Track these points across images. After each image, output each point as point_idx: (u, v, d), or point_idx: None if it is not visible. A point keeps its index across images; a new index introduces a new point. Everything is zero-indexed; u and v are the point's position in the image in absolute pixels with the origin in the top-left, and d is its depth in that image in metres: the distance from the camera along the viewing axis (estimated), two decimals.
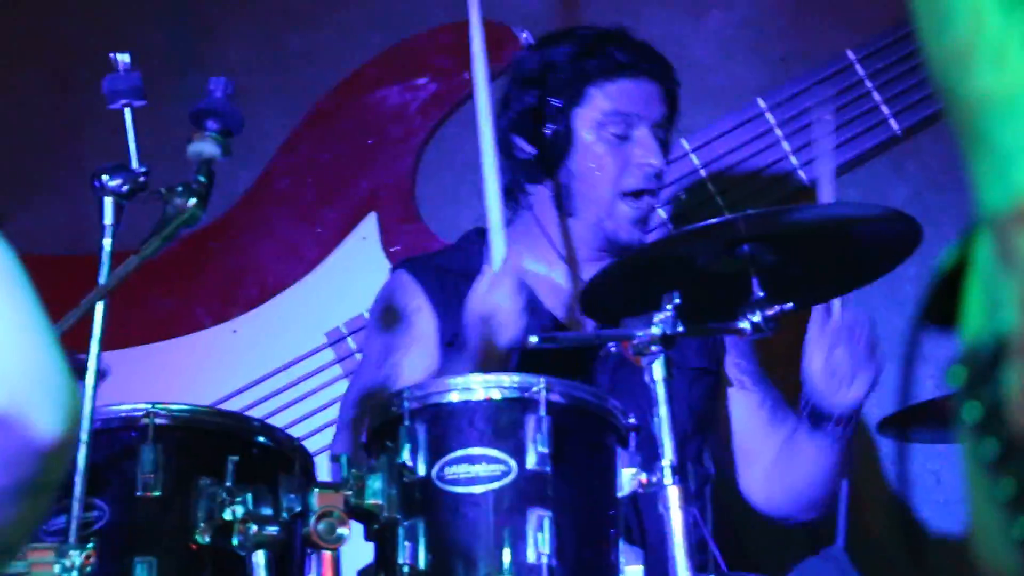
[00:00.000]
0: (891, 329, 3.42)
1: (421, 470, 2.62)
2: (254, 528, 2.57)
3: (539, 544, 2.56)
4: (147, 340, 3.98)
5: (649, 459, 2.66)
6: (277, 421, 3.75)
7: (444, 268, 3.41)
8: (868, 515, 3.25)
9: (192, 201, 2.48)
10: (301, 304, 4.02)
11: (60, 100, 4.09)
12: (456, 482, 2.61)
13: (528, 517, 2.57)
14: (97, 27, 4.11)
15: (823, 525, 3.19)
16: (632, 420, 2.74)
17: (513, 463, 2.60)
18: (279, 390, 3.97)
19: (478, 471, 2.61)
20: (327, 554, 2.61)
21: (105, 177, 2.52)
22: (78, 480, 2.43)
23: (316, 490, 2.62)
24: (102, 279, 2.49)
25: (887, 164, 3.90)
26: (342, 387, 3.92)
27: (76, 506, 2.44)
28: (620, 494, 2.66)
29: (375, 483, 2.63)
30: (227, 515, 2.59)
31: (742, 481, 3.41)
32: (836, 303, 3.15)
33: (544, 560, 2.54)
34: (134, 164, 2.53)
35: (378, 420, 2.73)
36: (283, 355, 3.99)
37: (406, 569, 2.58)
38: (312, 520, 2.59)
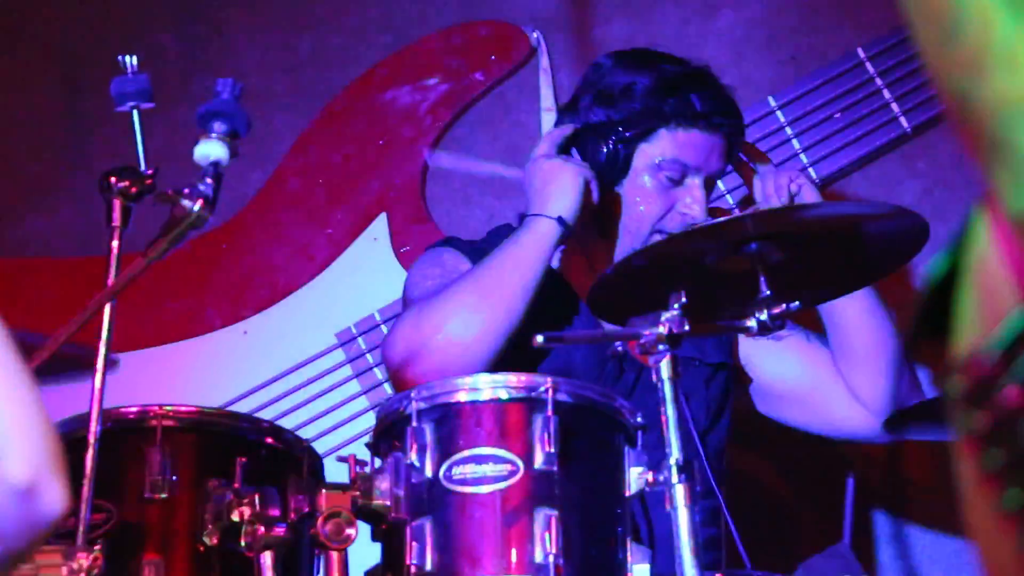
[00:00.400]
0: None
1: (428, 470, 2.62)
2: (262, 529, 2.57)
3: (546, 544, 2.55)
4: (158, 342, 3.98)
5: (659, 457, 2.64)
6: (287, 422, 3.76)
7: (482, 251, 3.37)
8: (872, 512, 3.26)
9: (199, 203, 2.47)
10: (312, 305, 4.02)
11: (70, 103, 4.10)
12: (464, 482, 2.60)
13: (536, 517, 2.57)
14: (107, 29, 4.13)
15: (829, 524, 3.21)
16: (640, 419, 2.74)
17: (520, 463, 2.60)
18: (289, 391, 3.97)
19: (485, 471, 2.60)
20: (334, 555, 2.61)
21: (113, 179, 2.52)
22: (86, 482, 2.44)
23: (324, 491, 2.62)
24: (110, 281, 2.48)
25: (897, 161, 3.90)
26: (352, 388, 3.97)
27: (84, 508, 2.43)
28: (628, 493, 2.66)
29: (382, 484, 2.63)
30: (235, 517, 2.59)
31: (836, 416, 3.44)
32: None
33: (551, 560, 2.54)
34: (142, 166, 2.53)
35: (386, 420, 2.73)
36: (293, 356, 3.99)
37: (413, 569, 2.57)
38: (320, 521, 2.59)
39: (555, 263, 3.39)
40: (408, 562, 2.58)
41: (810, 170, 3.88)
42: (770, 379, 3.51)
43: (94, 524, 2.48)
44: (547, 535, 2.56)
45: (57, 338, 2.50)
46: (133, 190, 2.53)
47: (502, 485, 2.60)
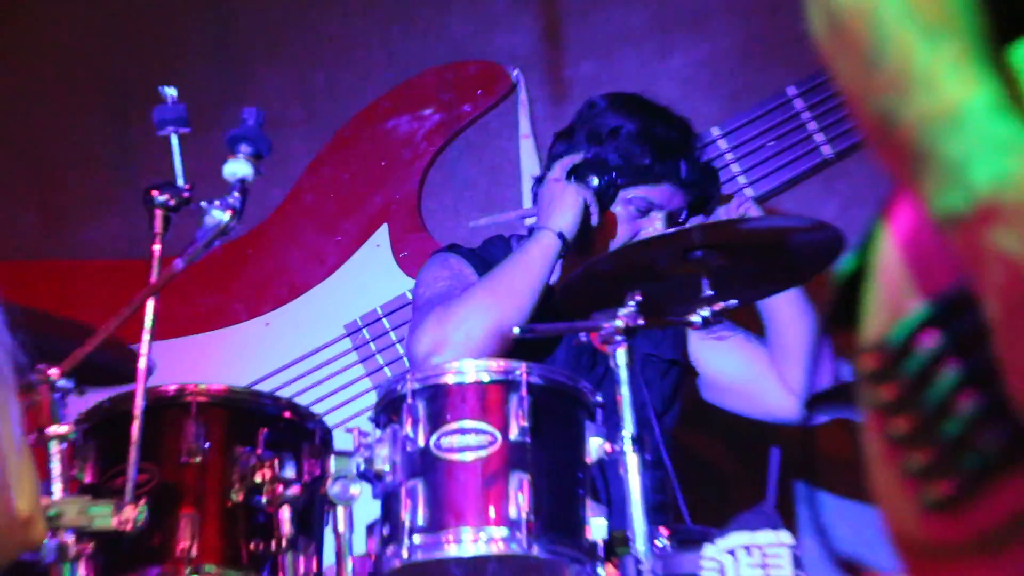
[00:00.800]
0: None
1: (421, 440, 2.62)
2: (280, 488, 2.58)
3: (520, 502, 2.56)
4: (193, 331, 3.98)
5: (617, 431, 2.66)
6: (302, 399, 3.75)
7: (481, 257, 3.41)
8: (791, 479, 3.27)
9: (228, 214, 2.48)
10: (323, 301, 4.01)
11: (118, 128, 4.06)
12: (450, 450, 2.61)
13: (511, 480, 2.58)
14: (149, 65, 4.10)
15: (756, 488, 3.22)
16: (599, 398, 2.75)
17: (498, 434, 2.61)
18: (304, 373, 3.96)
19: (469, 441, 2.61)
20: (341, 510, 2.60)
21: (155, 193, 2.52)
22: (132, 448, 2.43)
23: (332, 457, 2.63)
24: (152, 280, 2.48)
25: (820, 183, 3.88)
26: (358, 371, 3.94)
27: (131, 470, 2.43)
28: (588, 460, 2.67)
29: (382, 451, 2.63)
30: (258, 478, 2.60)
31: (768, 403, 3.46)
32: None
33: (523, 515, 2.55)
34: (179, 182, 2.52)
35: (386, 398, 2.72)
36: (308, 344, 3.98)
37: (407, 523, 2.58)
38: (329, 482, 2.60)
39: (554, 278, 3.42)
40: (403, 517, 2.59)
41: (747, 189, 3.87)
42: (715, 373, 3.52)
43: (139, 483, 2.47)
44: (520, 495, 2.57)
45: (107, 328, 2.51)
46: (172, 202, 2.53)
47: (483, 453, 2.60)
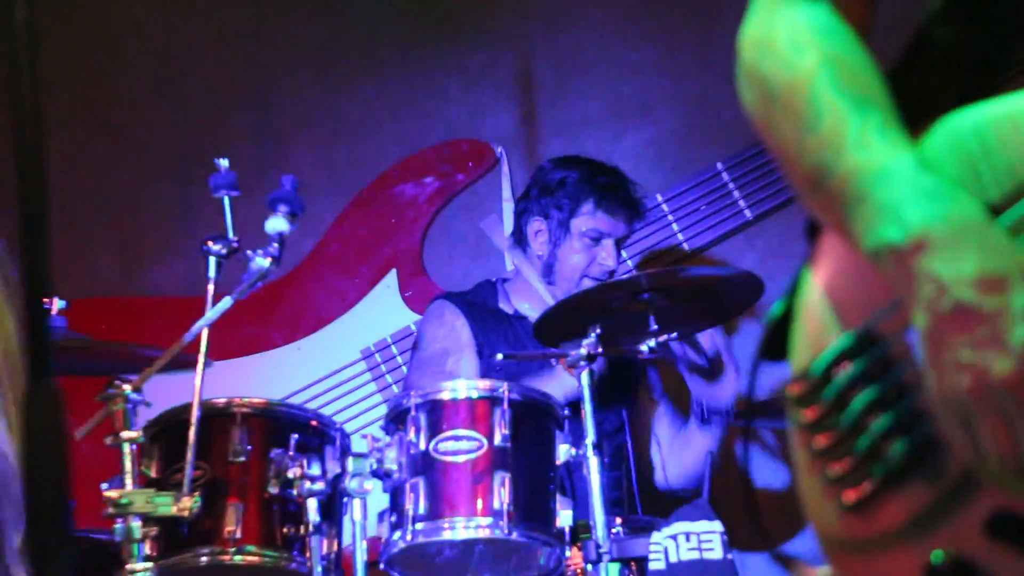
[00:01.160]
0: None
1: (422, 445, 2.62)
2: (308, 483, 2.56)
3: (502, 496, 2.56)
4: (239, 354, 3.94)
5: (579, 438, 2.66)
6: (326, 410, 3.72)
7: (471, 302, 3.39)
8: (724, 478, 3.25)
9: (268, 261, 2.46)
10: (344, 331, 3.97)
11: (182, 190, 4.04)
12: (446, 453, 2.60)
13: (495, 478, 2.57)
14: (206, 139, 4.09)
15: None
16: (567, 411, 2.73)
17: (485, 441, 2.60)
18: (327, 389, 3.91)
19: (460, 446, 2.60)
20: (357, 501, 2.59)
21: (210, 243, 2.50)
22: (189, 450, 2.43)
23: (350, 458, 2.62)
24: (207, 313, 2.47)
25: (742, 239, 3.87)
26: (371, 388, 3.90)
27: (188, 467, 2.43)
28: (558, 462, 2.66)
29: (391, 453, 2.63)
30: (290, 475, 2.58)
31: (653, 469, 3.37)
32: (705, 336, 3.16)
33: (505, 507, 2.55)
34: (230, 235, 2.50)
35: (394, 411, 2.71)
36: (331, 366, 3.94)
37: (410, 513, 2.58)
38: (347, 479, 2.59)
39: (513, 307, 3.41)
40: (407, 507, 2.58)
41: (684, 244, 3.86)
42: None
43: (194, 478, 2.46)
44: (502, 490, 2.56)
45: (171, 351, 2.49)
46: (224, 252, 2.51)
47: (472, 456, 2.59)
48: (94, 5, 4.24)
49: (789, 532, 3.11)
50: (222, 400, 2.69)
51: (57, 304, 2.76)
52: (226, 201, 2.51)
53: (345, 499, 2.64)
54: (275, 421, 2.71)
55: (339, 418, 3.72)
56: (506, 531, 2.54)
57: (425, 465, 2.61)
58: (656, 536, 2.63)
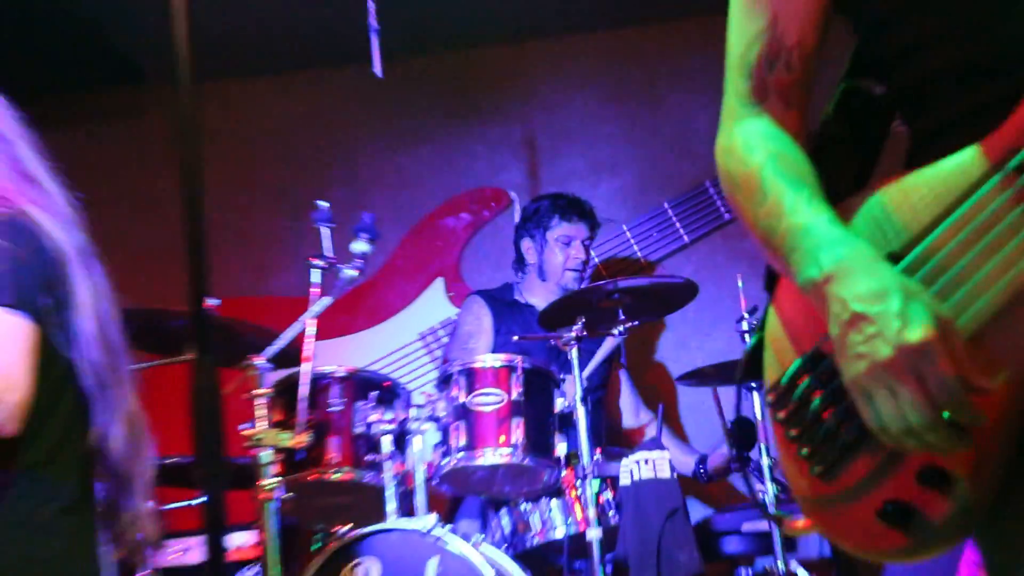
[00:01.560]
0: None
1: (462, 399, 2.60)
2: (383, 425, 2.56)
3: (518, 435, 2.55)
4: (335, 335, 3.90)
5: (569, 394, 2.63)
6: (395, 375, 3.66)
7: (494, 297, 3.37)
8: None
9: (354, 273, 2.44)
10: (406, 320, 3.94)
11: (291, 222, 4.01)
12: (478, 404, 2.59)
13: (512, 421, 2.56)
14: (309, 182, 4.08)
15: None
16: (562, 376, 2.71)
17: (505, 396, 2.59)
18: (396, 360, 3.88)
19: (488, 399, 2.59)
20: (418, 437, 2.59)
21: (313, 260, 2.47)
22: (301, 402, 2.41)
23: (412, 408, 2.61)
24: (311, 308, 2.44)
25: (682, 257, 3.85)
26: (426, 359, 3.87)
27: (301, 415, 2.41)
28: (555, 411, 2.64)
29: (440, 404, 2.62)
30: (371, 419, 2.58)
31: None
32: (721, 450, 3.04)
33: (520, 441, 2.54)
34: (327, 254, 2.45)
35: (442, 375, 2.69)
36: (398, 343, 3.91)
37: (454, 445, 2.57)
38: (410, 422, 2.59)
39: (524, 299, 3.39)
40: (451, 442, 2.58)
41: (641, 260, 3.84)
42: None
43: (306, 421, 2.44)
44: (517, 430, 2.55)
45: (286, 336, 2.48)
46: (324, 266, 2.46)
47: (496, 406, 2.58)
48: (233, 97, 4.23)
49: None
50: (326, 368, 2.67)
51: (211, 302, 2.74)
52: (324, 231, 2.49)
53: (408, 436, 2.64)
54: (360, 382, 2.70)
55: (404, 380, 3.72)
56: (520, 458, 2.54)
57: (464, 412, 2.60)
58: (624, 461, 2.62)
